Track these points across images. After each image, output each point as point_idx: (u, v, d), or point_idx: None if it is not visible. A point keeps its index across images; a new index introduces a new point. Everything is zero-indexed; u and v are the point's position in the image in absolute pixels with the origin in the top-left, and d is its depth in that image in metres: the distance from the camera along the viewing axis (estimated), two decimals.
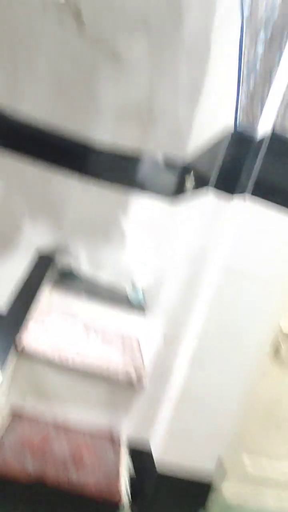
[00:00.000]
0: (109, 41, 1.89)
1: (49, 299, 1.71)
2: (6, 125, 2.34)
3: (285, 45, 1.37)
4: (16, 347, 1.31)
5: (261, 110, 1.39)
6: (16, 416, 1.37)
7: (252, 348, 1.37)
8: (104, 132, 2.38)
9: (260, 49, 1.37)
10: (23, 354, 1.33)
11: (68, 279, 2.01)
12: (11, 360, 1.27)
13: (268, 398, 1.57)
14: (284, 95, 1.29)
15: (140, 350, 1.67)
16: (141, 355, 1.62)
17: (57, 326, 1.60)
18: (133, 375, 1.44)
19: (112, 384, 1.45)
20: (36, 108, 2.36)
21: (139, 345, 1.72)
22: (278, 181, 1.29)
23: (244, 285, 1.32)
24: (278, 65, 1.38)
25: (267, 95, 1.38)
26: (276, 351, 1.53)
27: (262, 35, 1.35)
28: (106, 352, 1.51)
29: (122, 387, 1.46)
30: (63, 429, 1.39)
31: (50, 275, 1.75)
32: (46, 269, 1.72)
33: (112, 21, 2.07)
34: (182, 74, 1.97)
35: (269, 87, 1.38)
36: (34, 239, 2.20)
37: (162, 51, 2.02)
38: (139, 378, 1.44)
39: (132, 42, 2.10)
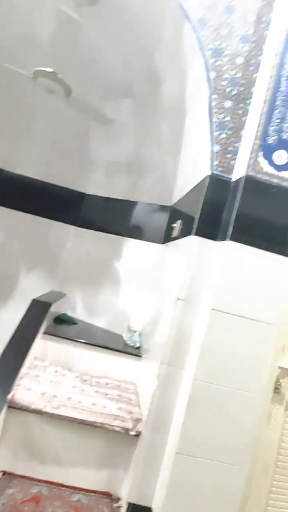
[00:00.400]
0: (98, 107, 2.13)
1: (43, 347, 1.72)
2: (8, 182, 2.57)
3: (250, 100, 1.54)
4: (7, 400, 1.30)
5: (234, 156, 1.51)
6: (7, 474, 1.31)
7: (250, 389, 1.33)
8: (97, 184, 2.58)
9: (228, 104, 1.54)
10: (14, 407, 1.32)
11: (64, 325, 2.03)
12: (2, 413, 1.26)
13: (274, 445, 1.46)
14: (254, 143, 1.42)
15: (137, 396, 1.62)
16: (138, 402, 1.57)
17: (51, 376, 1.59)
18: (130, 425, 1.39)
19: (109, 435, 1.40)
20: (35, 167, 2.60)
21: (136, 391, 1.67)
22: (255, 224, 1.36)
23: (233, 326, 1.33)
24: (246, 116, 1.53)
25: (238, 143, 1.52)
26: (277, 390, 1.47)
27: (228, 91, 1.52)
28: (101, 402, 1.47)
29: (119, 439, 1.40)
30: (56, 487, 1.31)
31: (45, 322, 1.78)
32: (42, 316, 1.75)
33: (101, 90, 2.36)
34: (164, 131, 2.18)
35: (239, 136, 1.52)
36: (30, 286, 2.28)
37: (145, 113, 2.27)
38: (136, 428, 1.38)
39: (119, 107, 2.37)
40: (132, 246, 2.36)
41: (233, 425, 1.31)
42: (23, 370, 1.49)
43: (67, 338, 1.80)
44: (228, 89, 1.52)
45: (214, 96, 1.51)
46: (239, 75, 1.53)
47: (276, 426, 1.47)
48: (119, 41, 2.02)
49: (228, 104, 1.52)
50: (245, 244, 1.34)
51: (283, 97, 1.40)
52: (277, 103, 1.40)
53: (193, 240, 1.47)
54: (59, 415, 1.34)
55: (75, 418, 1.34)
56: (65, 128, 2.53)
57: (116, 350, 1.81)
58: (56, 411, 1.33)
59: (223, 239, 1.40)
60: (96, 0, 1.85)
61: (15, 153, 2.59)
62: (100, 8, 1.88)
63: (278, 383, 1.48)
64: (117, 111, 2.35)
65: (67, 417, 1.34)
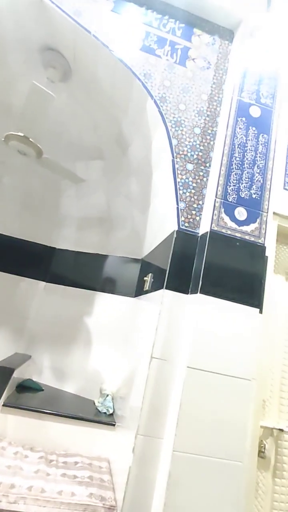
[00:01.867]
0: (69, 167, 2.22)
1: (2, 422, 1.51)
2: None
3: (210, 163, 1.68)
4: None
5: (199, 213, 1.60)
6: None
7: (234, 457, 1.22)
8: (68, 239, 2.57)
9: (190, 167, 1.67)
10: None
11: (28, 393, 1.82)
12: None
13: None
14: (215, 201, 1.51)
15: (110, 476, 1.42)
16: (112, 484, 1.37)
17: (9, 460, 1.36)
18: None
19: None
20: (4, 222, 2.57)
21: (110, 468, 1.47)
22: (223, 277, 1.38)
23: (210, 384, 1.26)
24: (207, 177, 1.66)
25: (202, 201, 1.62)
26: (262, 453, 1.36)
27: (190, 156, 1.67)
28: (69, 489, 1.26)
29: None
30: None
31: (6, 391, 1.59)
32: (2, 386, 1.56)
33: (72, 153, 2.49)
34: (133, 188, 2.29)
35: (202, 195, 1.63)
36: None
37: (115, 172, 2.40)
38: None
39: (90, 167, 2.49)
40: (104, 300, 2.29)
41: (220, 504, 1.17)
42: None
43: (31, 410, 1.59)
44: (189, 154, 1.66)
45: (177, 160, 1.64)
46: (198, 142, 1.69)
47: (265, 498, 1.34)
48: (89, 111, 2.20)
49: (190, 167, 1.65)
50: (215, 296, 1.35)
51: (238, 162, 1.56)
52: (233, 166, 1.55)
53: (164, 294, 1.45)
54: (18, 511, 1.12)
55: None
56: (36, 185, 2.58)
57: (87, 420, 1.62)
58: (13, 508, 1.11)
59: (194, 292, 1.40)
60: (68, 77, 2.06)
61: None
62: (72, 83, 2.08)
63: (262, 445, 1.38)
64: (88, 171, 2.47)
65: None
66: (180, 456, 1.17)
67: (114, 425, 1.63)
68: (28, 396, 1.85)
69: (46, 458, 1.43)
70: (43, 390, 1.99)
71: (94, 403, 1.85)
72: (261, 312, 1.41)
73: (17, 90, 2.18)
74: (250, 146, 1.60)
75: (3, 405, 1.55)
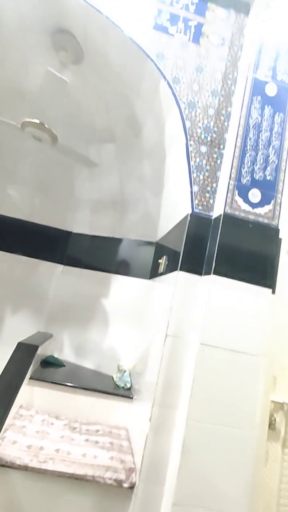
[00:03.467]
0: (82, 151, 2.25)
1: (29, 394, 1.64)
2: None
3: (223, 145, 1.67)
4: None
5: (212, 195, 1.61)
6: None
7: (245, 427, 1.30)
8: (83, 223, 2.63)
9: (204, 149, 1.67)
10: None
11: (51, 368, 1.95)
12: None
13: (274, 488, 1.40)
14: (229, 184, 1.52)
15: (129, 442, 1.54)
16: (131, 449, 1.49)
17: (37, 426, 1.49)
18: (123, 476, 1.30)
19: (101, 489, 1.30)
20: (21, 207, 2.65)
21: (128, 436, 1.59)
22: (236, 258, 1.42)
23: (222, 359, 1.32)
24: (221, 159, 1.66)
25: (215, 184, 1.63)
26: (272, 426, 1.43)
27: (203, 138, 1.66)
28: (92, 452, 1.39)
29: (112, 492, 1.31)
30: None
31: (32, 366, 1.71)
32: (28, 361, 1.69)
33: (85, 137, 2.51)
34: (146, 171, 2.30)
35: (216, 177, 1.63)
36: (16, 327, 2.20)
37: (127, 155, 2.41)
38: (130, 479, 1.30)
39: (102, 151, 2.51)
40: (119, 283, 2.37)
41: (230, 469, 1.26)
42: (8, 421, 1.40)
43: (55, 383, 1.72)
44: (202, 136, 1.65)
45: (190, 142, 1.64)
46: (211, 124, 1.68)
47: (275, 466, 1.42)
48: (101, 94, 2.19)
49: (203, 149, 1.65)
50: (227, 277, 1.39)
51: (252, 143, 1.54)
52: (247, 148, 1.54)
53: (178, 276, 1.50)
54: (47, 470, 1.25)
55: (64, 473, 1.25)
56: (51, 170, 2.63)
57: (106, 393, 1.74)
58: (43, 466, 1.24)
59: (207, 273, 1.44)
60: (80, 59, 2.04)
61: (1, 195, 2.64)
62: (83, 65, 2.07)
63: (273, 418, 1.45)
64: (101, 155, 2.48)
65: (56, 471, 1.25)
66: (193, 425, 1.25)
67: (132, 398, 1.74)
68: (51, 370, 1.98)
69: (70, 426, 1.57)
70: (64, 366, 2.12)
71: (113, 378, 1.97)
72: (273, 292, 1.44)
73: (29, 74, 2.19)
74: (265, 126, 1.57)
75: (30, 378, 1.69)
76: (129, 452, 1.45)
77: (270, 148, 1.56)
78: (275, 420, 1.45)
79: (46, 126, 1.87)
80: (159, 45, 1.68)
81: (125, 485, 1.29)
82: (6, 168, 2.65)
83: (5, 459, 1.24)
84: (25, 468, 1.24)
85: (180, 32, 1.72)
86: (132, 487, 1.30)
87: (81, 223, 2.68)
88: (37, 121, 1.84)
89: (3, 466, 1.24)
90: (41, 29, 1.91)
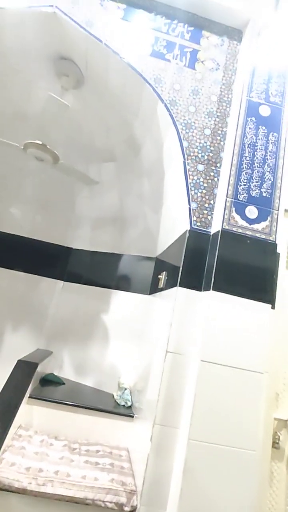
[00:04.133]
0: (83, 170, 2.31)
1: (29, 413, 1.62)
2: None
3: (220, 163, 1.72)
4: None
5: (210, 212, 1.64)
6: None
7: (248, 446, 1.27)
8: (83, 239, 2.67)
9: (201, 168, 1.72)
10: None
11: (51, 386, 1.92)
12: None
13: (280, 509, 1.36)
14: (226, 201, 1.55)
15: (130, 463, 1.50)
16: (132, 470, 1.45)
17: (36, 447, 1.46)
18: (124, 499, 1.27)
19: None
20: (22, 224, 2.69)
21: (129, 457, 1.56)
22: (235, 274, 1.43)
23: (223, 376, 1.31)
24: (218, 177, 1.70)
25: (213, 201, 1.66)
26: (275, 444, 1.40)
27: (200, 157, 1.71)
28: (92, 474, 1.35)
29: None
30: None
31: (31, 384, 1.69)
32: (28, 379, 1.67)
33: (84, 156, 2.58)
34: (145, 188, 2.36)
35: (213, 195, 1.67)
36: (16, 345, 2.19)
37: (127, 173, 2.47)
38: (131, 502, 1.26)
39: (102, 169, 2.58)
40: (119, 298, 2.37)
41: (233, 491, 1.23)
42: (6, 442, 1.38)
43: (54, 401, 1.69)
44: (200, 155, 1.70)
45: (188, 161, 1.69)
46: (208, 143, 1.73)
47: (280, 487, 1.38)
48: (101, 116, 2.27)
49: (201, 167, 1.70)
50: (227, 293, 1.40)
51: (248, 161, 1.59)
52: (243, 166, 1.58)
53: (178, 291, 1.51)
54: (46, 493, 1.22)
55: (63, 496, 1.22)
56: (52, 188, 2.69)
57: (107, 412, 1.71)
58: (42, 489, 1.21)
59: (207, 289, 1.45)
60: (81, 84, 2.14)
61: (2, 212, 2.69)
62: (84, 90, 2.16)
63: (276, 436, 1.42)
64: (101, 173, 2.55)
65: (55, 494, 1.22)
66: (195, 445, 1.23)
67: (132, 416, 1.71)
68: (50, 389, 1.96)
69: (69, 447, 1.53)
70: (64, 383, 2.10)
71: (113, 396, 1.94)
72: (273, 307, 1.45)
73: (32, 98, 2.28)
74: (260, 145, 1.63)
75: (28, 397, 1.66)
76: (130, 474, 1.41)
77: (266, 166, 1.61)
78: (278, 438, 1.42)
79: (48, 147, 1.93)
80: (156, 70, 1.76)
81: (126, 508, 1.25)
82: (8, 187, 2.72)
83: (3, 482, 1.21)
84: (23, 492, 1.21)
85: (176, 58, 1.81)
86: (133, 511, 1.26)
87: (81, 239, 2.71)
88: (39, 142, 1.90)
89: (1, 489, 1.21)
90: (44, 56, 2.01)
